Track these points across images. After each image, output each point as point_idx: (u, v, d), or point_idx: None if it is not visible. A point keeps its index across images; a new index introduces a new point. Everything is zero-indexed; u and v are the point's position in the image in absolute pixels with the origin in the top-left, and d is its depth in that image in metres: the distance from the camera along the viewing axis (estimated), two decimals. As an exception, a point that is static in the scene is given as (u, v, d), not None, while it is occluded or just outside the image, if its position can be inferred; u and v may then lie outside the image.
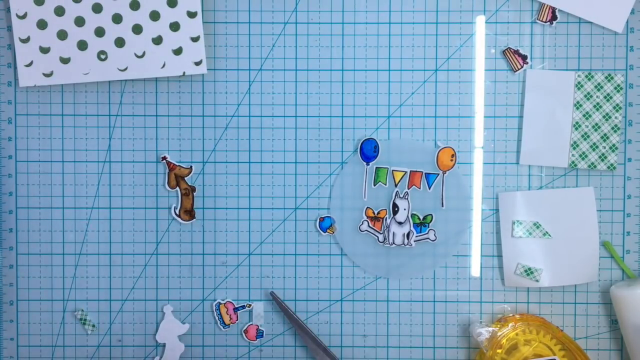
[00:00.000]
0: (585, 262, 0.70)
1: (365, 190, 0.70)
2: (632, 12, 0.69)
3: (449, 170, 0.70)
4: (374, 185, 0.70)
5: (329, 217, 0.71)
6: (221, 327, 0.72)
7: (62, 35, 0.69)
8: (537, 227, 0.70)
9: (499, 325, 0.69)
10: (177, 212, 0.71)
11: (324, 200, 0.71)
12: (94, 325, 0.72)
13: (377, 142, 0.70)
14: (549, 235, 0.70)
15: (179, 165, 0.71)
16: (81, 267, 0.72)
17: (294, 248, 0.71)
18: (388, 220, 0.70)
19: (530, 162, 0.70)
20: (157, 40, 0.69)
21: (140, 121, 0.71)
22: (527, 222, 0.70)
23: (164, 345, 0.71)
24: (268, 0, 0.70)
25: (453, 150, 0.70)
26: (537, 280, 0.70)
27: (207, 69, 0.70)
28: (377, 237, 0.70)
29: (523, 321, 0.68)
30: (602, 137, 0.70)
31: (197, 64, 0.69)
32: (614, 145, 0.70)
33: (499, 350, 0.67)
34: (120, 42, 0.69)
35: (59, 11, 0.68)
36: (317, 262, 0.71)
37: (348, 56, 0.70)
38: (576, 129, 0.70)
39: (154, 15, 0.69)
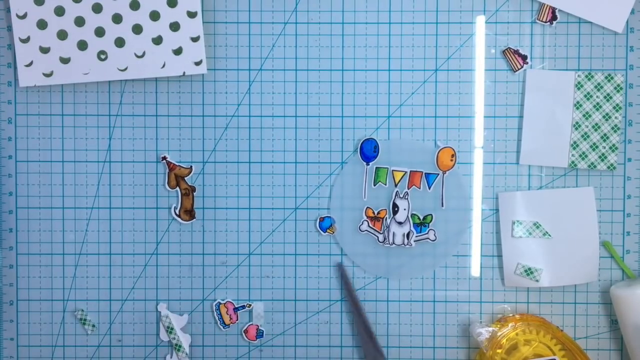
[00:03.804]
0: (585, 262, 0.70)
1: (365, 190, 0.70)
2: (632, 12, 0.69)
3: (449, 170, 0.70)
4: (374, 185, 0.70)
5: (329, 217, 0.71)
6: (221, 327, 0.71)
7: (62, 35, 0.69)
8: (537, 227, 0.70)
9: (499, 325, 0.69)
10: (177, 212, 0.71)
11: (324, 200, 0.71)
12: (94, 325, 0.72)
13: (377, 142, 0.70)
14: (549, 235, 0.70)
15: (179, 165, 0.71)
16: (81, 267, 0.71)
17: (294, 248, 0.71)
18: (388, 220, 0.70)
19: (530, 162, 0.70)
20: (157, 40, 0.69)
21: (140, 121, 0.71)
22: (527, 222, 0.70)
23: (169, 342, 0.71)
24: (268, 0, 0.70)
25: (453, 150, 0.70)
26: (537, 280, 0.70)
27: (207, 69, 0.70)
28: (377, 237, 0.70)
29: (523, 321, 0.69)
30: (602, 137, 0.70)
31: (197, 64, 0.69)
32: (614, 145, 0.70)
33: (499, 350, 0.67)
34: (120, 42, 0.69)
35: (59, 11, 0.68)
36: (317, 262, 0.71)
37: (348, 56, 0.70)
38: (576, 129, 0.70)
39: (154, 15, 0.69)
